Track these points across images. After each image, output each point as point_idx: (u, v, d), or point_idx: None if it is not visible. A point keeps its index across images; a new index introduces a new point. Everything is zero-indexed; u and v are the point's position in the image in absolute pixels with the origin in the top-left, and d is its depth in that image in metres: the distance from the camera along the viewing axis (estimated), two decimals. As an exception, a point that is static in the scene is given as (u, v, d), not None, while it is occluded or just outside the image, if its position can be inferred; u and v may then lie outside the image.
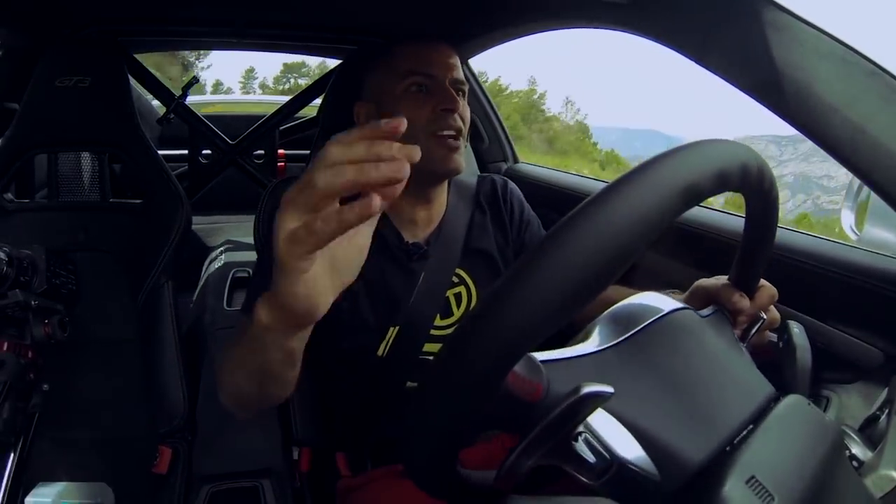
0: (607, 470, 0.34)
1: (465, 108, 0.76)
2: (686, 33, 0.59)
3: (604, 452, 0.34)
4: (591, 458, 0.34)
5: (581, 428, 0.34)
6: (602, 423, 0.35)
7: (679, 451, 0.35)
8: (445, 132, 0.73)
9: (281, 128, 1.42)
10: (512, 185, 0.90)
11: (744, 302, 0.48)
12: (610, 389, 0.32)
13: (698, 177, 0.33)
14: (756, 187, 0.39)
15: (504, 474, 0.35)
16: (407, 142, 0.83)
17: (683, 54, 0.60)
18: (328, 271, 0.39)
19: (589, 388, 0.32)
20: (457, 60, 0.78)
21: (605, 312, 0.43)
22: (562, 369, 0.37)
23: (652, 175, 0.31)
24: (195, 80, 1.43)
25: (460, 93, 0.76)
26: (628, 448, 0.34)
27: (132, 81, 1.16)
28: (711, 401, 0.38)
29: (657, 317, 0.42)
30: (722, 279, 0.50)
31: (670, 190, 0.31)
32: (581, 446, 0.34)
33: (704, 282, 0.52)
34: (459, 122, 0.74)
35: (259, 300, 0.42)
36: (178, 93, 1.35)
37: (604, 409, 0.35)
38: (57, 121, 0.97)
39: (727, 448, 0.35)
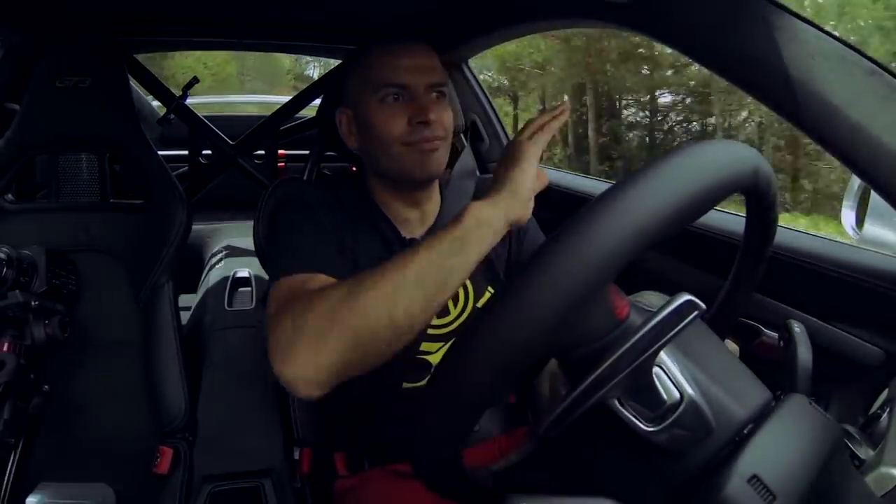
0: (673, 410, 0.34)
1: (443, 111, 0.73)
2: (687, 33, 0.59)
3: (675, 389, 0.35)
4: (663, 393, 0.35)
5: (657, 360, 0.35)
6: (671, 363, 0.35)
7: (730, 403, 0.36)
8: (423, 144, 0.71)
9: (281, 128, 1.42)
10: None
11: None
12: (703, 305, 0.33)
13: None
14: (765, 189, 0.40)
15: (570, 405, 0.34)
16: (382, 152, 0.82)
17: (685, 53, 0.61)
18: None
19: (688, 296, 0.33)
20: (434, 60, 0.75)
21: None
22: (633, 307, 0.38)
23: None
24: (195, 80, 1.42)
25: (438, 95, 0.74)
26: (695, 390, 0.35)
27: (132, 81, 1.16)
28: (743, 375, 0.40)
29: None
30: None
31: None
32: (655, 379, 0.35)
33: None
34: (438, 131, 0.72)
35: (474, 205, 0.55)
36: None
37: (670, 349, 0.35)
38: (57, 121, 0.97)
39: (737, 438, 0.36)
